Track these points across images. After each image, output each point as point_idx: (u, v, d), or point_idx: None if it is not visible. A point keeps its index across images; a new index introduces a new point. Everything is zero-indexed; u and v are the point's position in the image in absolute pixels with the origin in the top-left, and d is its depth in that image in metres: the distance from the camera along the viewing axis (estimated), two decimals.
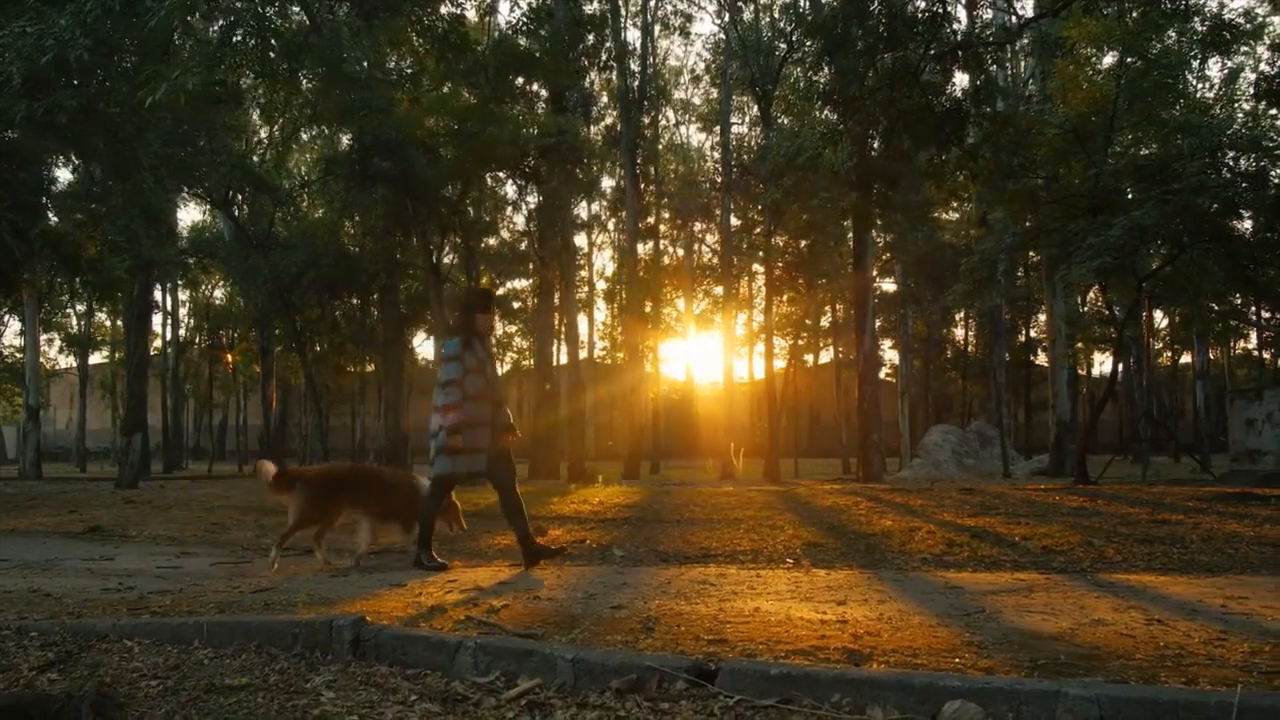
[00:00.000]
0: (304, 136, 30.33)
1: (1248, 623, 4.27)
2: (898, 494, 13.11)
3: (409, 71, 15.47)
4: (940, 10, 14.04)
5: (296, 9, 11.15)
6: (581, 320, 47.28)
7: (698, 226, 36.35)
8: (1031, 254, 26.04)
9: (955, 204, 31.53)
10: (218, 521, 9.91)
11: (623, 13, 28.06)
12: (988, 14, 23.90)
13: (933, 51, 14.02)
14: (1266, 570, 6.01)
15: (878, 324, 39.04)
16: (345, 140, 22.32)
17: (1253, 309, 29.11)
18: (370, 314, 29.69)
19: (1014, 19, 18.42)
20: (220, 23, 9.92)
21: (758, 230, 25.52)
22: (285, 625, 3.97)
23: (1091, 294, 27.03)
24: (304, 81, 10.72)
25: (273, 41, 9.94)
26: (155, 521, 10.01)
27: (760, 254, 25.35)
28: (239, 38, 9.47)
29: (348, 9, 11.06)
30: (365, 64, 11.93)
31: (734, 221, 28.54)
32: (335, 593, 5.28)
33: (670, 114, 38.91)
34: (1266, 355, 38.79)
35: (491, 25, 19.43)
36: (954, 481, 20.45)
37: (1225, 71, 28.37)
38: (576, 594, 5.19)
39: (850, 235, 22.80)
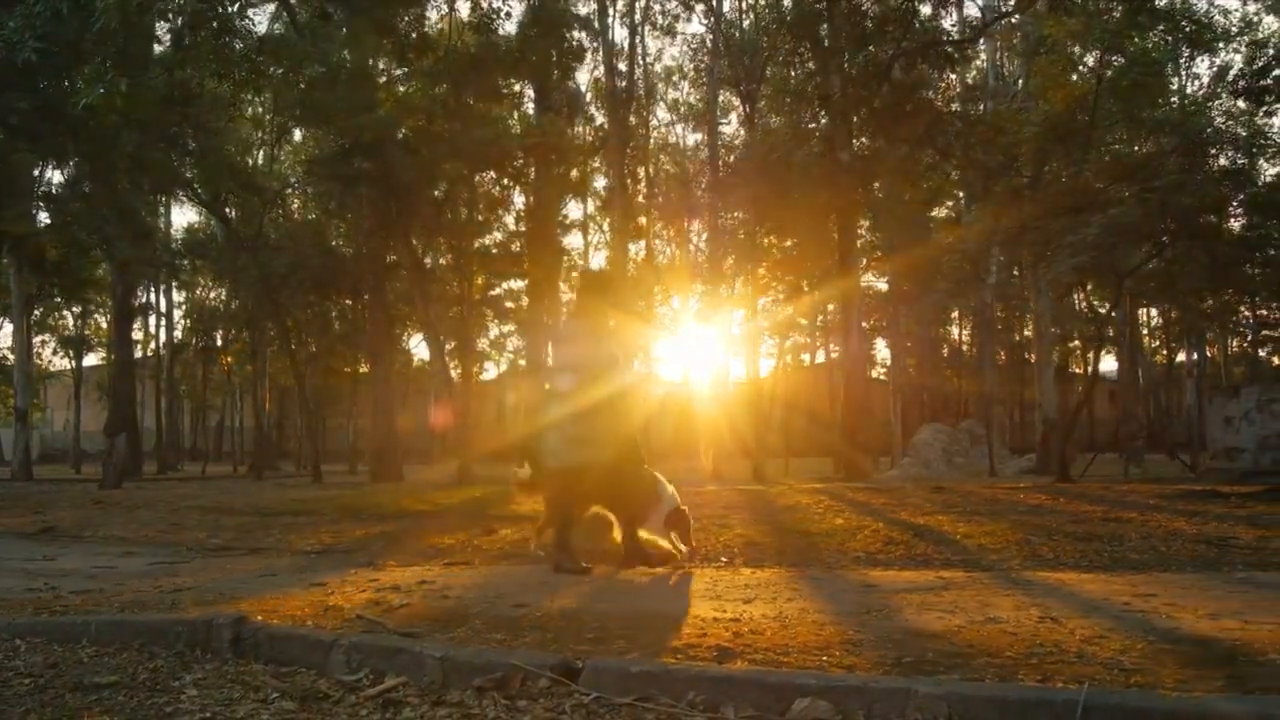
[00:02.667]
0: (297, 137, 30.41)
1: (1139, 620, 4.27)
2: (868, 493, 13.09)
3: (375, 72, 15.43)
4: (910, 8, 14.07)
5: (253, 11, 11.19)
6: None
7: (690, 226, 36.28)
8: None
9: (949, 202, 31.57)
10: (177, 522, 9.96)
11: (610, 12, 28.03)
12: (973, 11, 23.90)
13: (903, 48, 14.04)
14: (1191, 568, 6.01)
15: (869, 323, 39.03)
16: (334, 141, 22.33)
17: (1244, 307, 29.10)
18: (361, 315, 29.73)
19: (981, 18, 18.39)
20: (172, 23, 9.98)
21: (745, 230, 25.50)
22: (169, 624, 4.01)
23: (1084, 293, 26.92)
24: (265, 83, 10.78)
25: (233, 43, 9.96)
26: (116, 522, 10.06)
27: (747, 253, 25.34)
28: (198, 39, 9.49)
29: (308, 11, 11.09)
30: (336, 64, 11.92)
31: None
32: (251, 591, 5.31)
33: (661, 113, 38.90)
34: (1262, 353, 38.71)
35: (452, 24, 19.30)
36: (942, 480, 20.38)
37: (1214, 69, 28.37)
38: (488, 593, 5.20)
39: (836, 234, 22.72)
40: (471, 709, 3.22)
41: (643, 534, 6.52)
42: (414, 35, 11.53)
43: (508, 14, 13.96)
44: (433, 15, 19.45)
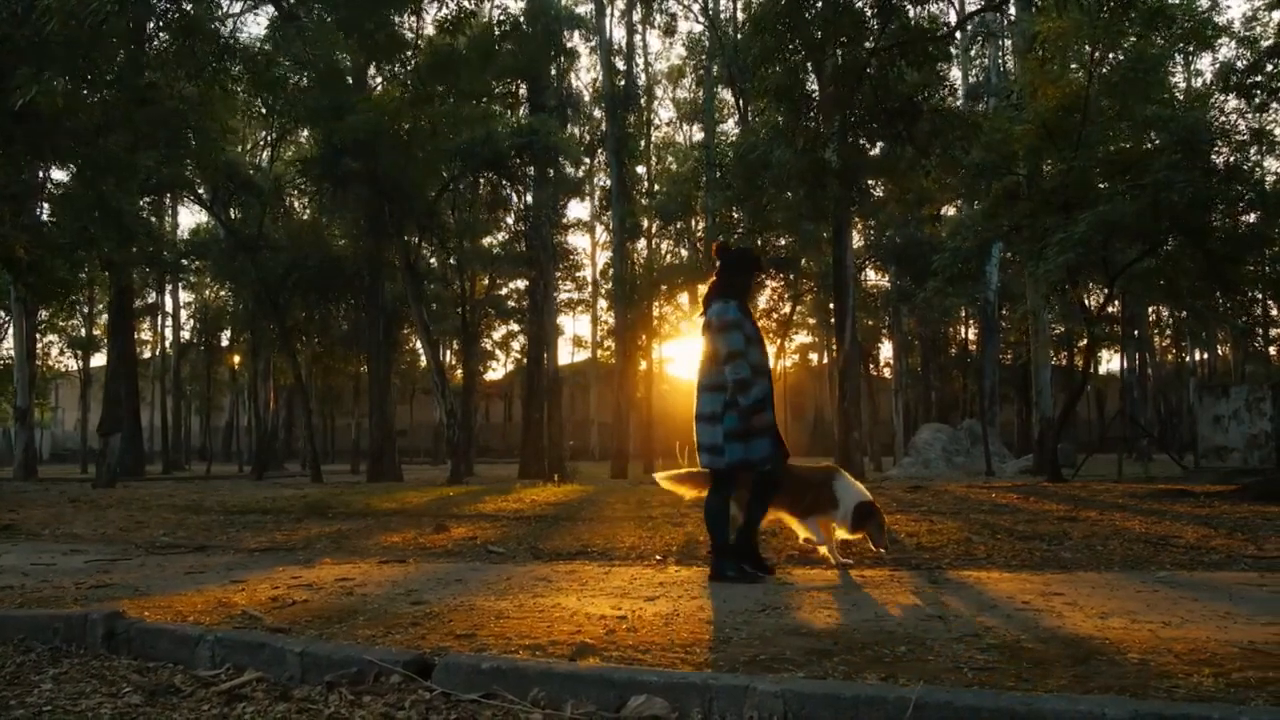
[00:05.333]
0: (303, 136, 30.56)
1: (1026, 620, 4.24)
2: None
3: (352, 73, 15.48)
4: (887, 4, 13.97)
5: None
6: (585, 320, 47.38)
7: (694, 225, 36.30)
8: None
9: (958, 201, 31.36)
10: (142, 521, 10.03)
11: (608, 12, 28.09)
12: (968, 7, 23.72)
13: (881, 44, 13.93)
14: (1118, 567, 5.96)
15: (871, 323, 38.90)
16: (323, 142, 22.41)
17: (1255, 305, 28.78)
18: (361, 315, 29.87)
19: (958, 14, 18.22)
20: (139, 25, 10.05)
21: (740, 229, 25.48)
22: (49, 619, 4.06)
23: (1074, 291, 26.69)
24: (232, 83, 10.86)
25: (200, 45, 10.04)
26: (81, 521, 10.14)
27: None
28: (161, 41, 9.58)
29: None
30: (310, 64, 12.00)
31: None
32: (165, 588, 5.35)
33: (665, 112, 38.96)
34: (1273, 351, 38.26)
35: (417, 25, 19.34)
36: (941, 480, 20.27)
37: (1217, 66, 28.09)
38: (396, 590, 5.22)
39: (828, 232, 22.63)
40: (314, 704, 3.24)
41: (804, 535, 6.20)
42: (381, 35, 11.61)
43: (472, 14, 13.94)
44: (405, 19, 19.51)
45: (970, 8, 20.46)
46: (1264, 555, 6.21)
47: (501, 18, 16.95)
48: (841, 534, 6.10)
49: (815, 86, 15.79)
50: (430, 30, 16.40)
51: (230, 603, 4.70)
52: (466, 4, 13.11)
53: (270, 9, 12.28)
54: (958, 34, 18.16)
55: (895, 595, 5.00)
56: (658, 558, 6.75)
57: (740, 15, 27.39)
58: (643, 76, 34.24)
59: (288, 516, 10.32)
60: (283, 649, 3.59)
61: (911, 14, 15.17)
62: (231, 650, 3.68)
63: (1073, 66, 20.49)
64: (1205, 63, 31.79)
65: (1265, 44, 19.56)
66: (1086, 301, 24.37)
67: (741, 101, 24.18)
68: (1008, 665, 3.42)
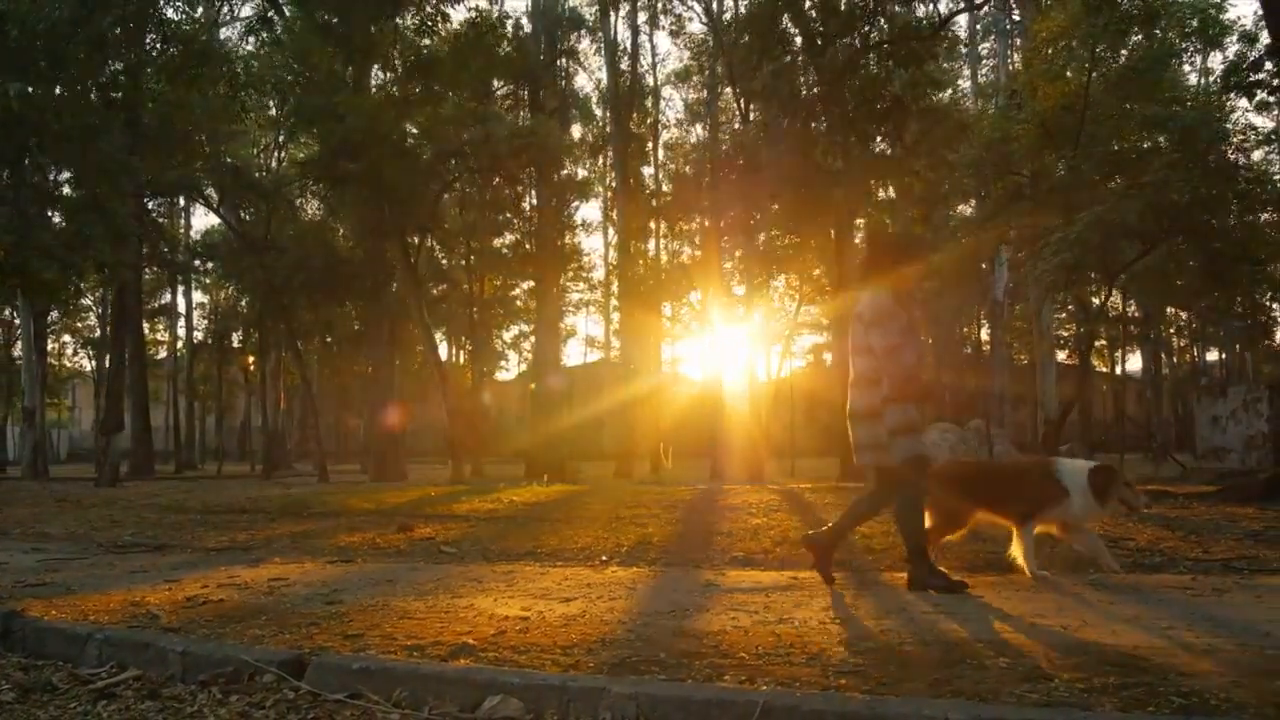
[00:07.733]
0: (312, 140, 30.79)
1: (924, 624, 4.23)
2: (831, 494, 12.91)
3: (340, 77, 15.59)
4: (876, 5, 13.93)
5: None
6: (598, 320, 47.48)
7: (701, 224, 36.26)
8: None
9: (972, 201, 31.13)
10: (118, 520, 10.15)
11: (613, 14, 28.09)
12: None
13: (870, 44, 13.91)
14: (1055, 571, 5.92)
15: None
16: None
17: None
18: (366, 315, 30.01)
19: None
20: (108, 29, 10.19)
21: (741, 229, 25.42)
22: None
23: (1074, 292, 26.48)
24: (208, 87, 10.97)
25: (172, 46, 10.15)
26: (59, 520, 10.28)
27: (738, 252, 25.33)
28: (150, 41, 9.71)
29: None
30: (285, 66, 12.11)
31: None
32: (98, 587, 5.43)
33: (671, 113, 38.94)
34: None
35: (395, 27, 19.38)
36: None
37: (1226, 64, 27.66)
38: (321, 590, 5.27)
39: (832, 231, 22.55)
40: (180, 702, 3.29)
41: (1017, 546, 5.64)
42: (359, 38, 11.69)
43: (445, 16, 14.02)
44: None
45: (969, 9, 20.23)
46: (1205, 558, 6.15)
47: (477, 19, 16.97)
48: (1091, 523, 5.63)
49: (808, 87, 15.78)
50: (410, 33, 16.47)
51: (144, 602, 4.76)
52: (443, 6, 13.18)
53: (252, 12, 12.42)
54: (958, 33, 18.01)
55: (813, 599, 4.99)
56: (603, 558, 6.77)
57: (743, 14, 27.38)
58: (650, 78, 34.28)
59: (263, 516, 10.40)
60: (165, 648, 3.64)
61: (920, 13, 15.14)
62: (118, 649, 3.74)
63: (1075, 64, 20.35)
64: (1216, 60, 31.31)
65: (1264, 43, 19.20)
66: (1093, 301, 24.20)
67: (743, 101, 24.14)
68: (875, 669, 3.41)
